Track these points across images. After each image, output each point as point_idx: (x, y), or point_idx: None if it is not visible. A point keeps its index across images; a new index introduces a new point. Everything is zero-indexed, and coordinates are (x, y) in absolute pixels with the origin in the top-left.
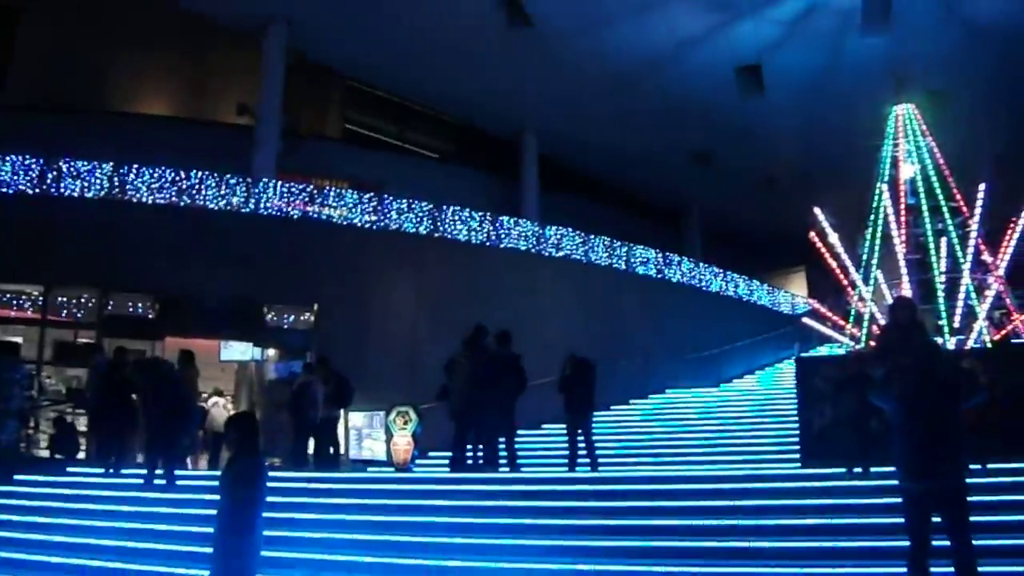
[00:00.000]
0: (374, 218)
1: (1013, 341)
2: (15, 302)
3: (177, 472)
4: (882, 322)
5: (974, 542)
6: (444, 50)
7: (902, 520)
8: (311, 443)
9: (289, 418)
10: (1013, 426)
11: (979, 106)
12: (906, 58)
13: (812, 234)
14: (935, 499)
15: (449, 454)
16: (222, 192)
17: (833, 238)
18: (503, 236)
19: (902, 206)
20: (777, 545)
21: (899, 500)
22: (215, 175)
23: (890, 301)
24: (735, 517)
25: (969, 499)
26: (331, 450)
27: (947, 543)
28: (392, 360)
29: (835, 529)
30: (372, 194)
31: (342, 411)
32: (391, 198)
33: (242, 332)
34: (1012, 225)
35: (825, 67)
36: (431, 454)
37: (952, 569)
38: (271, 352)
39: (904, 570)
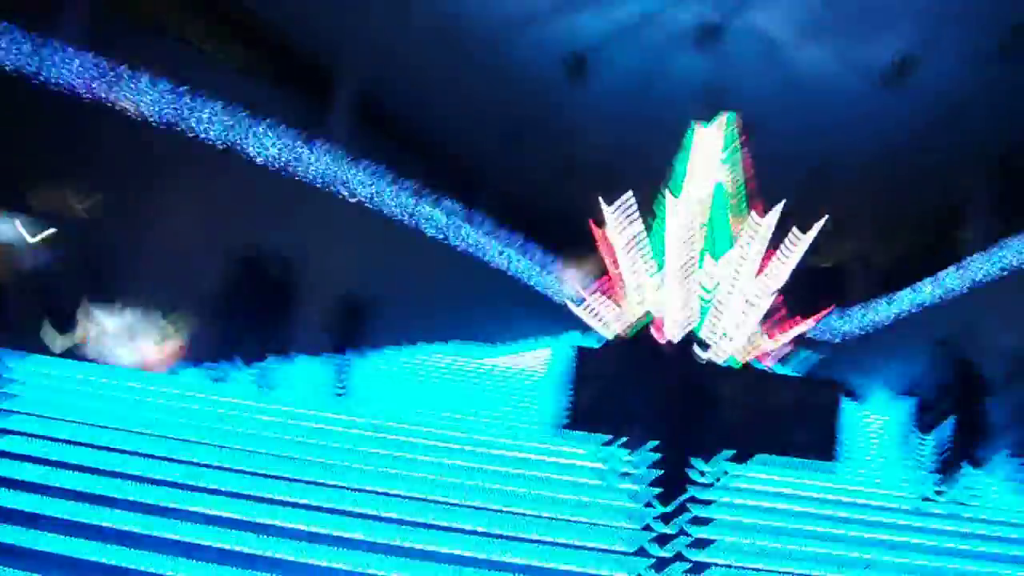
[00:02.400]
0: (172, 115)
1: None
2: None
3: None
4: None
5: None
6: None
7: None
8: None
9: None
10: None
11: (781, 142)
12: (722, 84)
13: (596, 227)
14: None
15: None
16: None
17: (615, 234)
18: (304, 162)
19: (689, 218)
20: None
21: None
22: None
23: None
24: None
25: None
26: None
27: None
28: (165, 269)
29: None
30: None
31: None
32: (195, 97)
33: None
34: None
35: (647, 72)
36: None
37: None
38: None
39: None
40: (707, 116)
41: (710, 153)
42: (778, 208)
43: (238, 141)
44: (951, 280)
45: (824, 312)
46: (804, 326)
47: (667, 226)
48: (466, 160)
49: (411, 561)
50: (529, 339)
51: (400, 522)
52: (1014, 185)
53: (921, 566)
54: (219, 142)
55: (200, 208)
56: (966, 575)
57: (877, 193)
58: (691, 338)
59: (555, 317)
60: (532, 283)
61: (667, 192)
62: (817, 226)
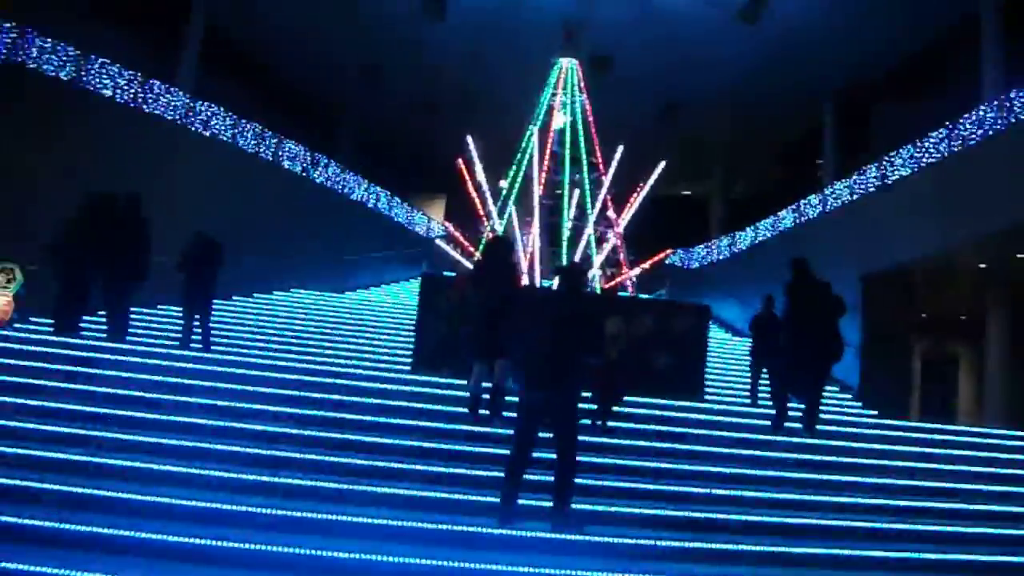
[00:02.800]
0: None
1: (619, 293)
2: None
3: None
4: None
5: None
6: None
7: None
8: None
9: None
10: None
11: (636, 78)
12: (580, 18)
13: (460, 161)
14: (549, 409)
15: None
16: None
17: (479, 168)
18: (151, 101)
19: (547, 152)
20: (379, 441)
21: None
22: None
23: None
24: (341, 411)
25: (577, 416)
26: None
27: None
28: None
29: (439, 432)
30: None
31: None
32: (31, 35)
33: None
34: (638, 189)
35: (506, 6)
36: (32, 319)
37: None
38: None
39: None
40: (565, 51)
41: (569, 87)
42: (620, 149)
43: (81, 78)
44: (807, 210)
45: (665, 253)
46: (649, 263)
47: (531, 157)
48: (324, 99)
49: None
50: (394, 277)
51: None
52: (861, 115)
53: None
54: (61, 78)
55: (39, 148)
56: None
57: (736, 124)
58: (573, 267)
59: (419, 255)
60: (395, 219)
61: (530, 125)
62: (659, 168)
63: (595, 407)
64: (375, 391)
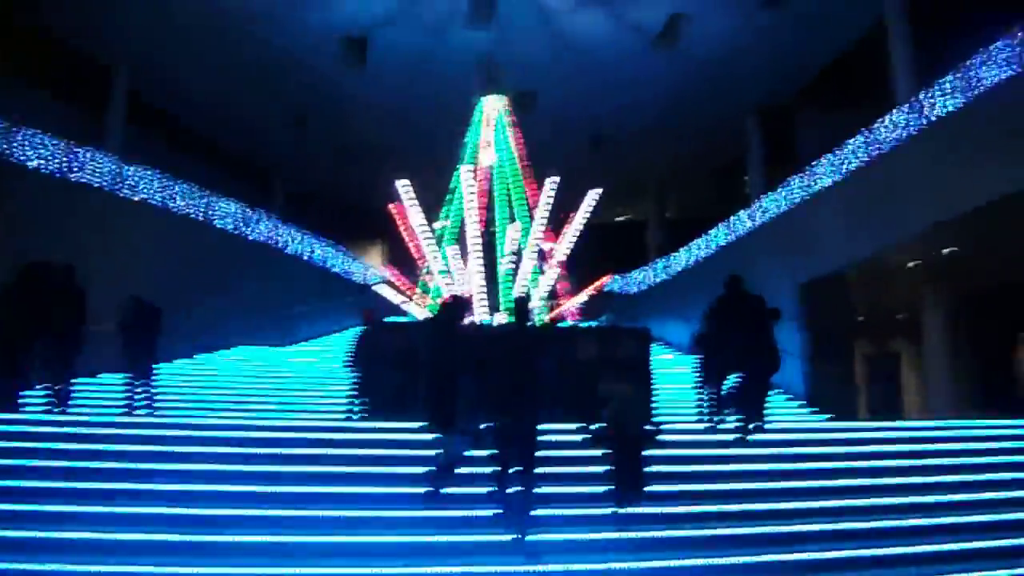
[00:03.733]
0: None
1: (559, 324)
2: None
3: None
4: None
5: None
6: None
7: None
8: None
9: None
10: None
11: (562, 109)
12: (501, 56)
13: (393, 206)
14: (516, 433)
15: None
16: None
17: (412, 212)
18: (76, 169)
19: (479, 190)
20: (325, 491)
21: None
22: None
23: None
24: (281, 463)
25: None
26: None
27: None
28: None
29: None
30: None
31: None
32: None
33: None
34: (571, 218)
35: (427, 49)
36: None
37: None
38: None
39: None
40: (488, 89)
41: (494, 125)
42: (554, 180)
43: (6, 150)
44: (739, 225)
45: (605, 279)
46: (588, 291)
47: (462, 196)
48: (255, 153)
49: None
50: (337, 326)
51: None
52: (785, 128)
53: None
54: None
55: None
56: None
57: (666, 146)
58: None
59: (360, 302)
60: (332, 269)
61: (460, 165)
62: (591, 196)
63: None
64: (320, 442)
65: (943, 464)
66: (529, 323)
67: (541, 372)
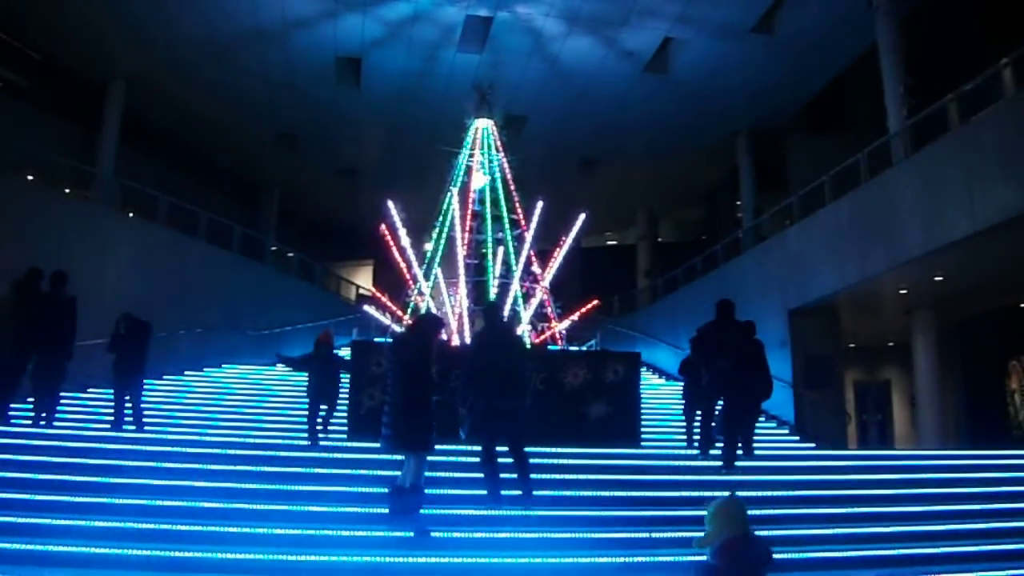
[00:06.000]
0: None
1: (549, 347)
2: None
3: None
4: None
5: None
6: None
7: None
8: None
9: None
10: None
11: (553, 134)
12: (493, 80)
13: (383, 226)
14: (505, 413)
15: None
16: None
17: (402, 233)
18: (71, 184)
19: (469, 212)
20: (310, 510)
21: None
22: None
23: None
24: (271, 481)
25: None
26: None
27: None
28: None
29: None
30: None
31: None
32: None
33: None
34: (560, 242)
35: (420, 72)
36: None
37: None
38: None
39: None
40: (479, 113)
41: (486, 147)
42: (540, 204)
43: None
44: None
45: (591, 305)
46: (576, 315)
47: (452, 218)
48: (248, 171)
49: None
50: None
51: None
52: (775, 152)
53: None
54: None
55: None
56: None
57: (656, 171)
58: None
59: (348, 322)
60: (322, 289)
61: (451, 187)
62: (580, 220)
63: None
64: (310, 460)
65: (931, 493)
66: (501, 322)
67: (520, 360)
